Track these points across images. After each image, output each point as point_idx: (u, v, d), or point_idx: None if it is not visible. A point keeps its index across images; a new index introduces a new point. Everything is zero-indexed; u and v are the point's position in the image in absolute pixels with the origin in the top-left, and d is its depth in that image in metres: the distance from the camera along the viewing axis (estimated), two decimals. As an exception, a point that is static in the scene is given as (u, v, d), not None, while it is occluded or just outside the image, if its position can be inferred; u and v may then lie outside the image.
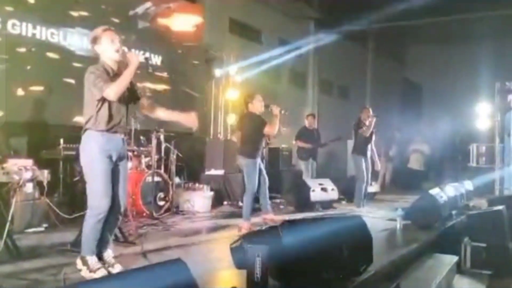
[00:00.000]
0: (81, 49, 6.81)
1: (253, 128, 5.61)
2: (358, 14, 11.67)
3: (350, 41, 14.75)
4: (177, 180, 7.19)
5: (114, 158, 3.48)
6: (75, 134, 5.46)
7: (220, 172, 7.93)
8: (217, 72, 9.75)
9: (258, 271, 2.70)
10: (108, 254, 3.60)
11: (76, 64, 6.59)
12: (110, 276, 2.89)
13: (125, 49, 3.61)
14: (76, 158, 4.28)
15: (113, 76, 3.47)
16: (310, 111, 12.18)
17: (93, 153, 3.39)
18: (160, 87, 8.25)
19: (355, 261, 3.56)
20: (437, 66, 15.76)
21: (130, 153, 5.39)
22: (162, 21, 8.45)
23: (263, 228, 3.25)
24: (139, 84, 3.84)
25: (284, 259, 3.01)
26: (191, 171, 7.86)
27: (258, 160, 5.63)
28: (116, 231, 4.55)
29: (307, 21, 13.90)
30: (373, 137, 7.83)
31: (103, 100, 3.39)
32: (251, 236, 2.97)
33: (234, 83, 9.94)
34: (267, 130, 5.56)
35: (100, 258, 3.52)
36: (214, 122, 9.68)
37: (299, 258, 3.10)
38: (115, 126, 3.48)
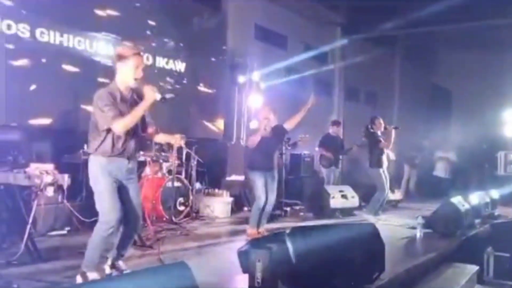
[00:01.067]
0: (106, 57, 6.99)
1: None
2: (385, 19, 11.57)
3: (378, 47, 14.62)
4: (198, 185, 7.29)
5: (119, 177, 3.50)
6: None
7: (241, 178, 7.99)
8: (241, 78, 9.83)
9: (258, 275, 2.73)
10: (121, 264, 3.68)
11: (99, 71, 6.77)
12: (113, 277, 2.97)
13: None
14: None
15: (120, 101, 3.44)
16: (335, 118, 12.14)
17: (96, 173, 3.44)
18: (183, 92, 8.37)
19: (367, 268, 3.55)
20: (466, 71, 15.44)
21: (148, 159, 5.51)
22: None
23: (271, 233, 3.28)
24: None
25: (289, 265, 3.03)
26: (212, 176, 7.95)
27: (267, 172, 5.51)
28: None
29: (334, 26, 13.87)
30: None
31: (108, 130, 3.41)
32: (257, 241, 3.01)
33: (258, 89, 10.01)
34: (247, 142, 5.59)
35: (113, 266, 3.61)
36: (237, 128, 9.75)
37: (309, 264, 3.12)
38: (120, 153, 3.49)
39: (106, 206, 3.39)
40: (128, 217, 3.54)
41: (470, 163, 12.17)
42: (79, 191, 5.50)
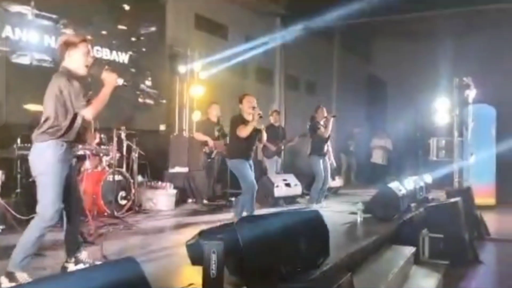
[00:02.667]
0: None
1: (232, 129, 5.68)
2: (324, 10, 11.78)
3: (317, 37, 14.89)
4: (140, 178, 7.12)
5: (70, 169, 3.47)
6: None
7: (185, 169, 7.90)
8: (182, 68, 9.68)
9: (213, 267, 2.72)
10: (85, 254, 3.61)
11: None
12: (58, 276, 2.85)
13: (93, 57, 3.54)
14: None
15: (79, 85, 3.39)
16: (277, 107, 12.28)
17: (50, 162, 3.30)
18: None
19: (313, 254, 3.63)
20: (401, 62, 16.08)
21: (88, 152, 5.31)
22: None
23: (219, 224, 3.27)
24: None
25: (241, 255, 3.05)
26: (155, 169, 7.79)
27: (248, 161, 5.61)
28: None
29: (273, 17, 13.97)
30: (330, 136, 7.73)
31: (75, 115, 3.36)
32: (207, 233, 2.99)
33: (199, 79, 9.90)
34: (238, 132, 5.54)
35: (78, 261, 3.53)
36: (179, 119, 9.61)
37: (255, 252, 3.14)
38: (71, 137, 3.43)
39: (51, 201, 3.26)
40: (74, 208, 3.52)
41: (405, 150, 12.77)
42: (14, 187, 5.20)
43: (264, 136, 5.89)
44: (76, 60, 3.45)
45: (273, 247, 3.26)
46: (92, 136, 3.75)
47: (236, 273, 3.20)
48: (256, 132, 5.64)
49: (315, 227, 3.73)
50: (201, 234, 3.00)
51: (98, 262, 3.54)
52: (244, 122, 5.60)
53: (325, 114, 7.61)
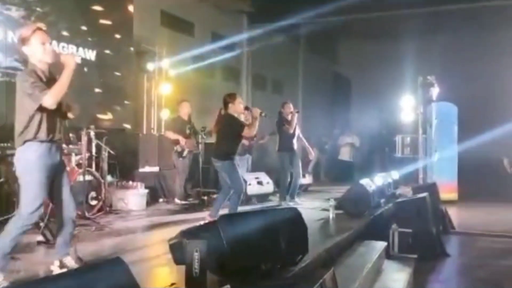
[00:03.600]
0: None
1: (231, 130, 5.56)
2: (290, 9, 11.87)
3: (283, 36, 14.98)
4: (109, 178, 6.97)
5: (53, 168, 3.37)
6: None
7: (155, 168, 7.79)
8: (149, 66, 9.54)
9: (196, 266, 2.70)
10: (69, 260, 3.53)
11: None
12: (45, 278, 2.76)
13: (56, 49, 3.42)
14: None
15: (47, 81, 3.29)
16: (258, 109, 12.25)
17: (30, 162, 3.26)
18: (89, 80, 7.95)
19: (292, 251, 3.66)
20: (365, 61, 16.40)
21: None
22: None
23: (202, 223, 3.24)
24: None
25: (223, 253, 3.04)
26: (125, 168, 7.65)
27: (235, 161, 5.62)
28: (47, 233, 4.41)
29: (240, 15, 13.96)
30: (297, 131, 7.75)
31: (41, 110, 3.24)
32: (190, 232, 2.96)
33: (167, 77, 9.79)
34: (246, 132, 5.51)
35: (62, 265, 3.46)
36: (147, 117, 9.48)
37: (237, 251, 3.14)
38: (54, 136, 3.36)
39: (30, 200, 3.23)
40: (65, 211, 3.46)
41: (372, 147, 13.03)
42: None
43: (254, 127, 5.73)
44: (36, 52, 3.33)
45: (254, 245, 3.27)
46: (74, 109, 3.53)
47: (217, 272, 3.20)
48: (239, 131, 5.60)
49: (295, 225, 3.76)
50: (184, 233, 2.96)
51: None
52: (241, 123, 5.62)
53: (291, 110, 7.63)
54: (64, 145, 5.77)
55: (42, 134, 3.28)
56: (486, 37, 13.38)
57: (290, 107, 7.68)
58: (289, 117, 7.59)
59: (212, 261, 2.89)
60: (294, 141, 7.68)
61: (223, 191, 5.75)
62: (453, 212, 7.93)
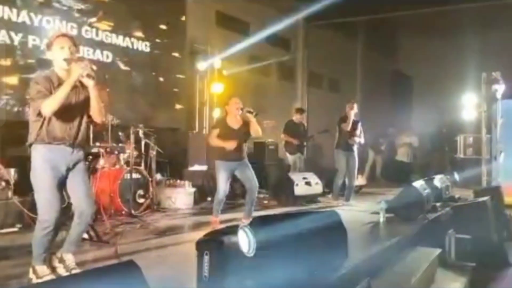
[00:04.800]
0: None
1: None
2: (347, 5, 11.57)
3: (340, 34, 14.66)
4: (159, 176, 7.08)
5: (62, 168, 3.33)
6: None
7: (203, 167, 7.82)
8: (202, 65, 9.61)
9: (206, 270, 2.61)
10: (69, 258, 3.49)
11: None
12: (53, 280, 2.79)
13: (78, 55, 3.41)
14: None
15: (57, 86, 3.27)
16: (299, 105, 12.11)
17: (35, 165, 3.29)
18: (141, 80, 8.13)
19: (329, 257, 3.48)
20: (427, 57, 15.71)
21: (102, 150, 5.26)
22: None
23: (227, 226, 3.15)
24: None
25: (247, 258, 2.92)
26: (175, 167, 7.75)
27: (229, 165, 5.44)
28: (90, 230, 4.50)
29: (296, 12, 13.78)
30: (357, 132, 7.63)
31: (44, 116, 3.24)
32: (212, 233, 2.86)
33: (220, 76, 9.82)
34: (253, 132, 5.51)
35: (61, 260, 3.45)
36: (199, 117, 9.55)
37: (267, 255, 3.01)
38: (61, 140, 3.32)
39: (43, 204, 3.24)
40: (78, 208, 3.41)
41: (431, 147, 12.42)
42: (29, 186, 5.18)
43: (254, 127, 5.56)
44: (56, 58, 3.35)
45: (286, 249, 3.13)
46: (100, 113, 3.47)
47: (241, 278, 3.09)
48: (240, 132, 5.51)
49: (333, 228, 3.57)
50: (208, 234, 2.87)
51: (75, 270, 3.42)
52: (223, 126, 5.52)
53: (352, 108, 7.54)
54: (113, 144, 5.98)
55: (47, 136, 3.27)
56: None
57: (352, 106, 7.59)
58: (353, 116, 7.55)
59: (229, 265, 2.78)
60: (353, 140, 7.58)
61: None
62: (520, 218, 7.35)
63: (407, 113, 16.02)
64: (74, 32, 7.01)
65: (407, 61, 17.66)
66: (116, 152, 5.95)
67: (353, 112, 7.49)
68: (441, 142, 12.13)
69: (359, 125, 7.74)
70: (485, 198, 6.11)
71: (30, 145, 3.33)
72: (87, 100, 3.38)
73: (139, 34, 8.16)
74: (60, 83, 3.28)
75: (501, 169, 8.83)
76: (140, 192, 6.16)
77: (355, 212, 6.67)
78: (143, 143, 6.51)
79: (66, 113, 3.30)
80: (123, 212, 5.87)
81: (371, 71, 16.89)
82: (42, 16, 6.74)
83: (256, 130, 5.51)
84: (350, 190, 7.58)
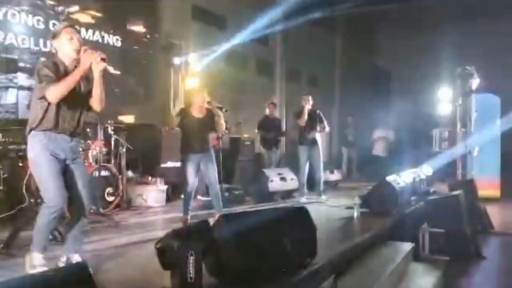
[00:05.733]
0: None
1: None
2: (326, 0, 11.53)
3: (318, 28, 14.60)
4: (130, 174, 6.91)
5: (62, 157, 3.33)
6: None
7: (177, 164, 7.65)
8: (176, 59, 9.43)
9: (191, 270, 2.49)
10: (76, 258, 3.45)
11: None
12: (8, 281, 2.65)
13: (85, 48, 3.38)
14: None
15: (64, 74, 3.31)
16: (277, 100, 12.04)
17: (36, 152, 3.27)
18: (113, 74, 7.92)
19: (298, 253, 3.40)
20: (404, 52, 15.81)
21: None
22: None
23: (193, 223, 3.04)
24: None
25: (221, 255, 2.83)
26: (147, 164, 7.57)
27: (194, 157, 5.35)
28: (54, 231, 4.34)
29: (274, 7, 13.66)
30: (318, 126, 7.44)
31: (48, 101, 3.24)
32: (181, 233, 2.74)
33: (195, 72, 9.66)
34: (217, 127, 5.44)
35: (69, 262, 3.40)
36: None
37: (237, 252, 2.92)
38: (62, 128, 3.32)
39: (51, 187, 3.23)
40: (76, 203, 3.41)
41: (407, 141, 12.45)
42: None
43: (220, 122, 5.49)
44: (63, 46, 3.41)
45: (255, 246, 3.04)
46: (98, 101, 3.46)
47: (215, 274, 2.99)
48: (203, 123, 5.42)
49: (302, 225, 3.50)
50: (175, 234, 2.74)
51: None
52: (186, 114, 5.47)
53: (306, 101, 7.34)
54: (81, 141, 5.79)
55: (48, 123, 3.27)
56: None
57: (306, 99, 7.39)
58: (306, 110, 7.34)
59: (209, 263, 2.68)
60: (313, 133, 7.38)
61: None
62: (494, 211, 7.42)
63: (385, 108, 16.08)
64: (41, 26, 6.80)
65: (385, 56, 17.73)
66: (83, 148, 5.78)
67: (307, 106, 7.29)
68: (417, 137, 12.18)
69: (319, 115, 7.50)
70: (458, 192, 6.13)
71: (30, 130, 3.29)
72: (89, 92, 3.43)
73: (110, 28, 7.96)
74: (67, 71, 3.33)
75: (475, 162, 8.91)
76: (109, 190, 6.01)
77: (330, 207, 6.62)
78: (113, 139, 6.34)
79: (70, 102, 3.31)
80: (91, 211, 5.69)
81: (349, 66, 16.89)
82: (6, 10, 6.50)
83: (221, 125, 5.45)
84: (319, 184, 7.38)
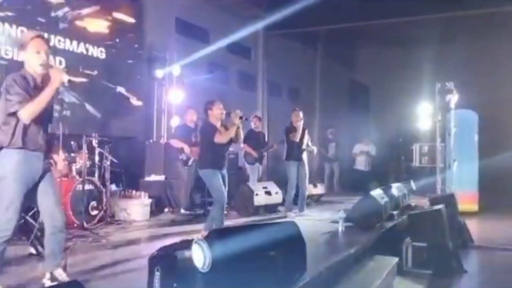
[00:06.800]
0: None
1: (206, 138, 5.44)
2: (307, 15, 11.67)
3: (299, 43, 14.76)
4: (113, 187, 6.83)
5: (36, 176, 3.25)
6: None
7: (161, 177, 7.62)
8: (159, 72, 9.41)
9: (157, 285, 2.49)
10: (59, 273, 3.39)
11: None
12: None
13: (51, 61, 3.33)
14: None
15: (33, 89, 3.21)
16: (259, 114, 12.09)
17: (8, 172, 3.14)
18: (97, 86, 7.87)
19: (288, 270, 3.40)
20: (383, 67, 16.06)
21: (52, 160, 4.97)
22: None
23: (181, 240, 3.02)
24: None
25: (203, 273, 2.80)
26: (130, 177, 7.50)
27: (220, 170, 5.37)
28: (37, 245, 4.27)
29: (256, 21, 13.78)
30: (305, 141, 7.58)
31: (16, 117, 3.14)
32: (164, 249, 2.74)
33: (179, 84, 9.65)
34: (216, 138, 5.31)
35: (53, 279, 3.34)
36: (157, 125, 9.32)
37: (227, 269, 2.91)
38: (36, 146, 3.24)
39: (10, 214, 3.11)
40: (52, 220, 3.32)
41: (388, 156, 12.64)
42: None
43: (241, 135, 5.63)
44: (30, 60, 3.26)
45: (244, 263, 3.03)
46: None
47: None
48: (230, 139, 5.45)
49: (292, 240, 3.51)
50: (160, 249, 2.75)
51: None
52: (216, 129, 5.39)
53: (300, 118, 7.41)
54: (65, 153, 5.72)
55: (19, 141, 3.16)
56: (508, 42, 12.87)
57: (299, 115, 7.45)
58: (297, 124, 7.39)
59: (183, 280, 2.66)
60: (302, 151, 7.48)
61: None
62: (473, 225, 7.53)
63: (365, 122, 16.30)
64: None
65: (364, 70, 17.99)
66: (67, 163, 5.69)
67: (301, 122, 7.38)
68: (397, 151, 12.36)
69: (306, 132, 7.62)
70: (440, 206, 6.22)
71: (1, 148, 3.17)
72: (51, 107, 3.40)
73: (94, 40, 7.91)
74: (36, 85, 3.23)
75: (454, 177, 9.07)
76: (93, 203, 5.92)
77: (314, 222, 6.65)
78: (97, 152, 6.26)
79: (39, 118, 3.22)
80: (75, 225, 5.61)
81: (329, 80, 17.09)
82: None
83: (240, 136, 5.48)
84: (303, 200, 7.47)
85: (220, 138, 5.34)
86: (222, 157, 5.45)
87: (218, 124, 5.42)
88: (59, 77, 3.19)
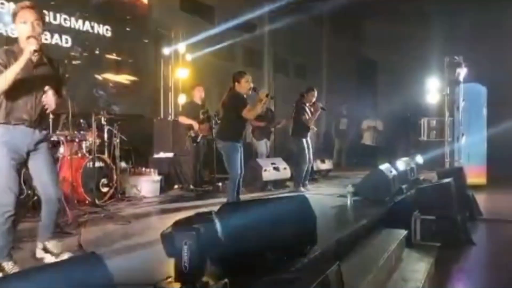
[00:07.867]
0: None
1: (234, 109, 5.22)
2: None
3: (306, 19, 14.59)
4: (123, 164, 6.88)
5: (22, 151, 3.15)
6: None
7: (170, 154, 7.66)
8: (166, 50, 9.37)
9: (186, 259, 2.52)
10: (54, 244, 3.38)
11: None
12: (15, 274, 2.63)
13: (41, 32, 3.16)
14: None
15: (35, 65, 3.15)
16: (265, 91, 12.04)
17: None
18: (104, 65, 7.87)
19: (299, 242, 3.45)
20: (391, 42, 15.84)
21: (62, 138, 5.04)
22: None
23: (197, 213, 3.06)
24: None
25: (221, 244, 2.86)
26: (139, 155, 7.55)
27: (239, 143, 5.28)
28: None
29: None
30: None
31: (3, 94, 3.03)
32: (182, 222, 2.77)
33: (184, 62, 9.62)
34: (244, 113, 5.17)
35: (46, 250, 3.33)
36: (164, 103, 9.34)
37: (238, 242, 2.96)
38: (19, 119, 3.12)
39: (2, 186, 3.05)
40: (44, 193, 3.29)
41: (396, 131, 12.60)
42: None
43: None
44: (20, 32, 3.11)
45: (256, 235, 3.08)
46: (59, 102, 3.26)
47: (218, 264, 3.03)
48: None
49: (302, 213, 3.54)
50: (176, 223, 2.77)
51: (66, 255, 3.33)
52: (246, 103, 5.25)
53: (314, 99, 7.40)
54: (74, 131, 5.76)
55: (3, 116, 3.06)
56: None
57: (315, 95, 7.44)
58: (311, 105, 7.39)
59: (206, 253, 2.71)
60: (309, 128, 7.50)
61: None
62: (481, 198, 7.57)
63: (373, 98, 16.20)
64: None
65: (372, 46, 17.77)
66: (77, 140, 5.73)
67: (318, 111, 7.41)
68: (405, 126, 12.32)
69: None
70: (448, 180, 6.24)
71: None
72: (46, 77, 3.20)
73: (100, 18, 7.87)
74: (31, 59, 3.10)
75: (463, 151, 9.06)
76: (104, 181, 5.97)
77: (323, 196, 6.69)
78: (106, 130, 6.30)
79: (25, 90, 3.09)
80: (87, 202, 5.69)
81: (336, 57, 16.94)
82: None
83: (253, 112, 5.30)
84: (308, 175, 7.47)
85: (248, 114, 5.23)
86: (243, 129, 5.45)
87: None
88: (31, 47, 3.00)
